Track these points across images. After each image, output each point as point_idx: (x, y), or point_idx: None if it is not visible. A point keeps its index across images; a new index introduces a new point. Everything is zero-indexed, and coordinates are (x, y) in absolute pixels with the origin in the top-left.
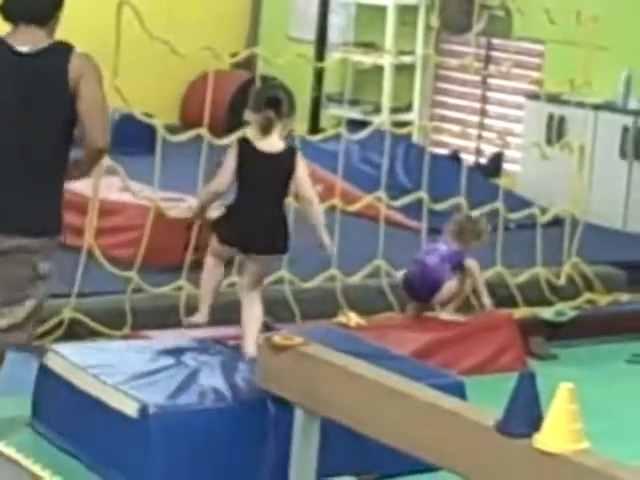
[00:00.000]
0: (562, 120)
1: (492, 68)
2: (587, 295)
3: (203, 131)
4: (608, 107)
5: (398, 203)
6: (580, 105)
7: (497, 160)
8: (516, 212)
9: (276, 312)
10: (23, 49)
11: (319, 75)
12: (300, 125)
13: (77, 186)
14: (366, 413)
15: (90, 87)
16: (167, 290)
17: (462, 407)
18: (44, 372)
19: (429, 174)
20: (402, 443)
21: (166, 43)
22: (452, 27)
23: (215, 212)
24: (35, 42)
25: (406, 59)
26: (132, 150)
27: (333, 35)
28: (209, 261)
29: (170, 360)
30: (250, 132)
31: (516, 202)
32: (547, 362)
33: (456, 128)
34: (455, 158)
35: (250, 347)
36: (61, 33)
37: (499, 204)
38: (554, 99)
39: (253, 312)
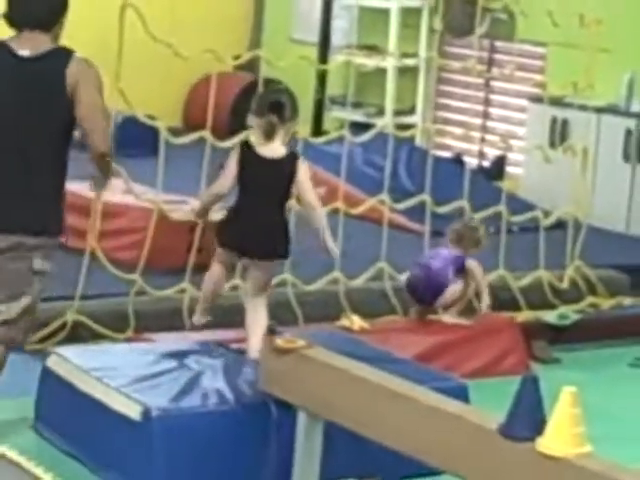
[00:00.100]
0: (565, 123)
1: (495, 71)
2: (590, 299)
3: (206, 133)
4: (611, 110)
5: (401, 206)
6: (583, 108)
7: (500, 163)
8: (519, 215)
9: (279, 315)
10: (24, 53)
11: (322, 77)
12: (303, 127)
13: (80, 188)
14: (369, 416)
15: (88, 92)
16: (170, 293)
17: (465, 410)
18: (47, 374)
19: (432, 177)
20: (405, 446)
21: (169, 45)
22: (455, 30)
23: (217, 215)
24: (37, 47)
25: (409, 62)
26: (135, 152)
27: (336, 38)
28: (213, 267)
29: (173, 363)
30: (253, 136)
31: (519, 205)
32: (550, 366)
33: (459, 131)
34: (458, 161)
35: (253, 350)
36: (65, 36)
37: (502, 207)
38: (557, 102)
39: (257, 317)
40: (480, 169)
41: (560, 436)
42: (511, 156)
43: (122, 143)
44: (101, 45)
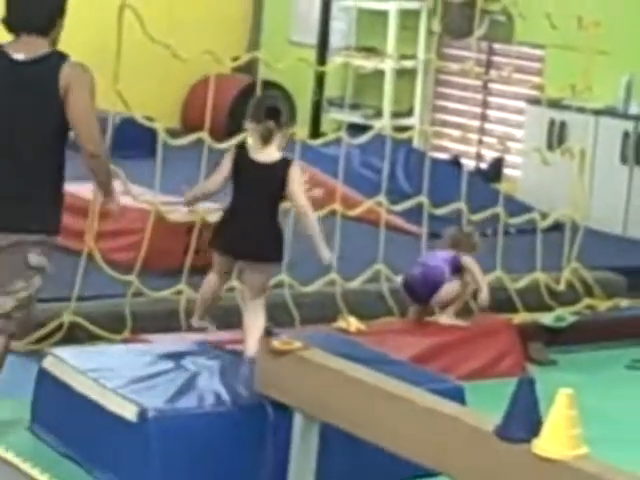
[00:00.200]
0: (563, 125)
1: (493, 73)
2: (587, 300)
3: (204, 135)
4: (609, 112)
5: (398, 208)
6: (581, 110)
7: (498, 165)
8: (516, 217)
9: (276, 316)
10: (19, 57)
11: (320, 79)
12: (301, 129)
13: (78, 189)
14: (365, 418)
15: (79, 95)
16: (167, 294)
17: (461, 412)
18: (43, 375)
19: (430, 179)
20: (401, 448)
21: (167, 47)
22: (453, 32)
23: (214, 216)
24: (33, 50)
25: (407, 64)
26: (133, 153)
27: (334, 39)
28: (210, 276)
29: (169, 364)
30: (250, 141)
31: (516, 207)
32: (546, 368)
33: (457, 133)
34: (456, 163)
35: (251, 350)
36: (63, 38)
37: (499, 209)
38: (555, 104)
39: (255, 319)
40: (478, 171)
41: (556, 438)
42: (509, 158)
43: (120, 144)
44: (99, 46)
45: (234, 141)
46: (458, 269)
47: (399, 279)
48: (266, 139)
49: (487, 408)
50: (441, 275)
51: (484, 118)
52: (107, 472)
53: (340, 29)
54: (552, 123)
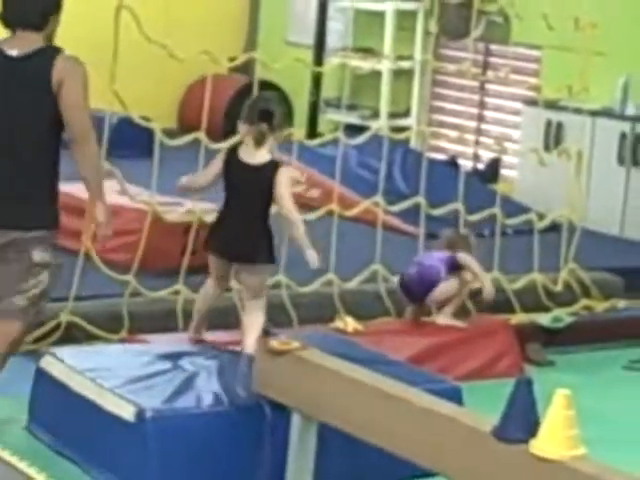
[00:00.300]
0: (560, 126)
1: (490, 74)
2: (584, 301)
3: (201, 135)
4: (606, 113)
5: (396, 208)
6: (578, 111)
7: (495, 166)
8: (513, 218)
9: (273, 317)
10: (12, 53)
11: (317, 80)
12: (298, 130)
13: (74, 189)
14: (363, 418)
15: (71, 86)
16: (164, 294)
17: (459, 413)
18: (41, 375)
19: (427, 179)
20: (399, 448)
21: (164, 47)
22: (450, 33)
23: (211, 216)
24: (27, 46)
25: (404, 64)
26: (130, 153)
27: (331, 40)
28: (207, 284)
29: (167, 364)
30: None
31: (513, 208)
32: (544, 368)
33: (454, 133)
34: (453, 163)
35: (249, 347)
36: (59, 37)
37: (496, 210)
38: (552, 105)
39: (254, 319)
40: (475, 172)
41: (554, 438)
42: (506, 159)
43: (117, 144)
44: (96, 46)
45: (231, 141)
46: (454, 269)
47: (395, 280)
48: (258, 141)
49: (484, 409)
50: (437, 274)
51: (481, 119)
52: (104, 472)
53: (337, 30)
54: (549, 124)
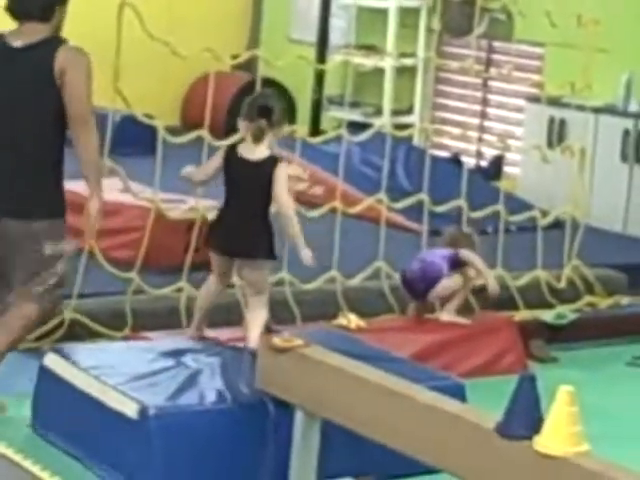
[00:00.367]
0: (563, 123)
1: (493, 71)
2: (587, 298)
3: (204, 132)
4: (609, 110)
5: (399, 205)
6: (581, 108)
7: (498, 163)
8: (517, 215)
9: (276, 314)
10: (17, 44)
11: (320, 77)
12: (301, 127)
13: (78, 187)
14: (366, 415)
15: (74, 76)
16: (167, 291)
17: (462, 409)
18: (44, 373)
19: (430, 177)
20: (402, 445)
21: (167, 44)
22: (453, 30)
23: (214, 214)
24: (32, 37)
25: (407, 61)
26: (133, 151)
27: (334, 37)
28: (209, 281)
29: (170, 361)
30: (244, 139)
31: (517, 205)
32: (547, 365)
33: (457, 131)
34: (456, 161)
35: (252, 342)
36: (62, 34)
37: (500, 207)
38: (555, 102)
39: (257, 314)
40: (478, 169)
41: (557, 435)
42: (509, 156)
43: (120, 142)
44: (99, 44)
45: (234, 138)
46: (456, 266)
47: (398, 277)
48: (257, 137)
49: (488, 405)
50: (439, 271)
51: (484, 116)
52: (108, 469)
53: (340, 27)
54: (552, 121)
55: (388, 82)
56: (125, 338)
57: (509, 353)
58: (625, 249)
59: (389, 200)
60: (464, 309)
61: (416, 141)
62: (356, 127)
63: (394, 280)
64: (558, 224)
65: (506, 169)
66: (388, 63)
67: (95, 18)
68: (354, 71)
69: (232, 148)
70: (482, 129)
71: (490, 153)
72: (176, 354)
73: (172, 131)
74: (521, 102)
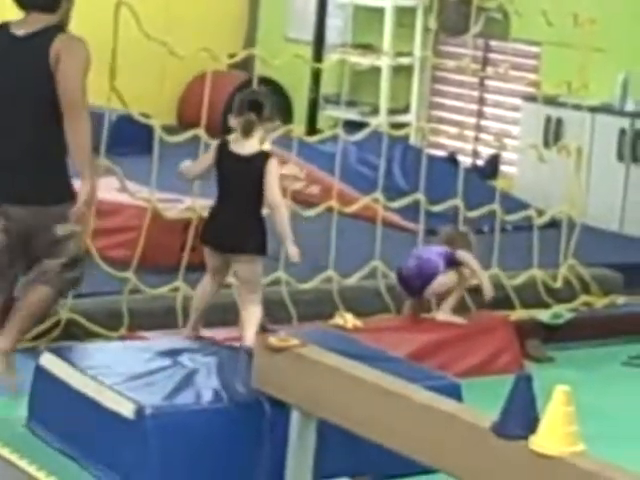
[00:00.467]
0: (559, 122)
1: (489, 70)
2: (584, 297)
3: (200, 132)
4: (605, 109)
5: (395, 204)
6: (577, 107)
7: (494, 162)
8: (513, 214)
9: (273, 313)
10: (19, 33)
11: (317, 76)
12: (297, 126)
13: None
14: (362, 415)
15: (67, 62)
16: (164, 291)
17: (458, 409)
18: (40, 373)
19: (426, 176)
20: (398, 445)
21: (164, 44)
22: (450, 29)
23: (206, 212)
24: (34, 26)
25: (404, 61)
26: (129, 150)
27: (331, 36)
28: (204, 280)
29: (167, 361)
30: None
31: (513, 204)
32: (543, 364)
33: (453, 130)
34: (452, 160)
35: (249, 340)
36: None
37: (496, 206)
38: (551, 101)
39: (252, 313)
40: (474, 168)
41: (553, 435)
42: (505, 155)
43: (116, 141)
44: (96, 43)
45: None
46: (452, 264)
47: (394, 276)
48: (247, 131)
49: (484, 405)
50: (435, 267)
51: (480, 115)
52: (105, 469)
53: (336, 26)
54: (548, 120)
55: (384, 81)
56: (121, 338)
57: (505, 353)
58: (621, 249)
59: (385, 199)
60: (460, 308)
61: (412, 140)
62: (352, 126)
63: (390, 279)
64: (554, 223)
65: (502, 168)
66: (385, 62)
67: (92, 18)
68: (351, 70)
69: (224, 144)
70: (478, 128)
71: (486, 152)
72: (172, 354)
73: (169, 130)
74: (517, 101)
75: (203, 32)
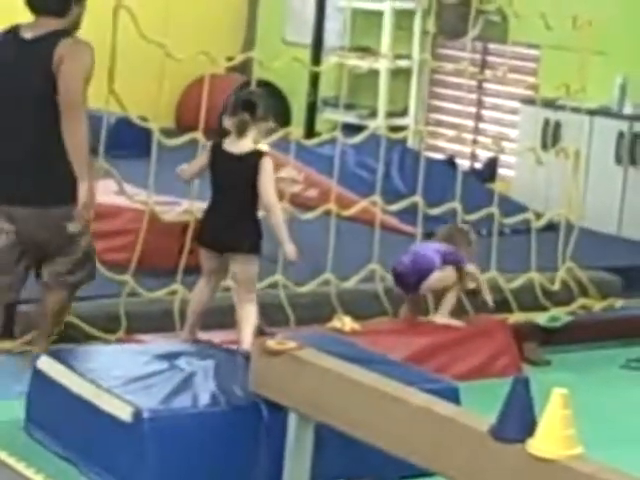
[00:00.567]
0: (557, 125)
1: (488, 73)
2: (581, 300)
3: (198, 135)
4: (603, 112)
5: (393, 207)
6: (576, 110)
7: (492, 165)
8: (511, 217)
9: (270, 316)
10: (27, 36)
11: (315, 79)
12: (296, 129)
13: None
14: (360, 418)
15: (69, 64)
16: (162, 294)
17: (456, 412)
18: (38, 376)
19: (424, 179)
20: (396, 448)
21: (162, 47)
22: (448, 32)
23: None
24: (42, 30)
25: (402, 63)
26: (128, 153)
27: (329, 39)
28: (200, 283)
29: (164, 364)
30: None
31: (511, 207)
32: (541, 368)
33: (451, 133)
34: (450, 163)
35: (245, 342)
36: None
37: (494, 209)
38: (550, 104)
39: (247, 315)
40: (472, 171)
41: (551, 438)
42: (503, 158)
43: (115, 144)
44: (94, 46)
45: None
46: (450, 262)
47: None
48: (241, 131)
49: (482, 408)
50: (432, 263)
51: (479, 118)
52: (102, 472)
53: (335, 29)
54: (547, 123)
55: (383, 84)
56: (119, 341)
57: (503, 356)
58: (619, 251)
59: (383, 202)
60: (458, 311)
61: (411, 143)
62: (351, 129)
63: (388, 282)
64: (552, 226)
65: (500, 171)
66: (383, 65)
67: (90, 20)
68: (349, 73)
69: (218, 144)
70: (477, 131)
71: (485, 155)
72: (170, 357)
73: (167, 133)
74: (516, 104)
75: (201, 35)
